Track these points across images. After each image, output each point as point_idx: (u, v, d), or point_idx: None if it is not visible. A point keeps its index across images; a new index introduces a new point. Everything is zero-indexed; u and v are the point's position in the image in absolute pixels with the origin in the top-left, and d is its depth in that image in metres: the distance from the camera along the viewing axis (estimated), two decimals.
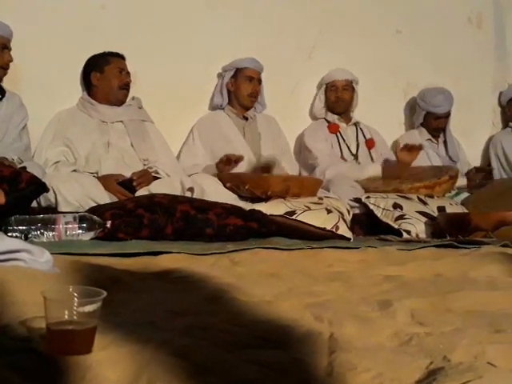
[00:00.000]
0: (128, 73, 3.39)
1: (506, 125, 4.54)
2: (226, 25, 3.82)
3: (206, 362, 0.95)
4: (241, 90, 3.69)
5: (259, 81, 3.72)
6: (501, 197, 3.43)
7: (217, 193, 3.00)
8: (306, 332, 1.14)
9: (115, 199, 2.88)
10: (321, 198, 3.11)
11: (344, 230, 2.94)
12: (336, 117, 4.00)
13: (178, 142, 3.68)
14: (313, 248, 2.40)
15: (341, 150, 3.93)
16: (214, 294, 1.44)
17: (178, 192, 2.91)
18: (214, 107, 3.79)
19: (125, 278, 1.63)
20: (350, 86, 3.96)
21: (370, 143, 4.01)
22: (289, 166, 3.79)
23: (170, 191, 2.84)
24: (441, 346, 1.09)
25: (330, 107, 3.98)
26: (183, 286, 1.56)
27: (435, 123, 4.16)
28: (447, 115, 4.17)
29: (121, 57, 3.39)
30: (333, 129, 3.97)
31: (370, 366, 0.96)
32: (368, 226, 3.29)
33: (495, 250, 2.28)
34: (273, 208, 2.92)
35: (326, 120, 4.01)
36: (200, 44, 3.75)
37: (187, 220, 2.54)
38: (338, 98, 3.94)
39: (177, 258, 1.94)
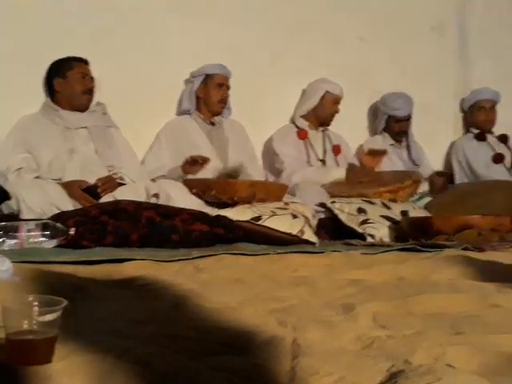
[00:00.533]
0: (92, 78, 3.35)
1: (467, 130, 4.64)
2: (192, 30, 3.82)
3: (169, 370, 0.95)
4: (211, 96, 3.69)
5: (228, 87, 3.73)
6: (462, 201, 3.50)
7: (183, 199, 2.99)
8: (270, 338, 1.14)
9: (79, 206, 2.85)
10: (287, 204, 3.13)
11: (309, 235, 2.96)
12: (306, 124, 4.03)
13: (143, 147, 3.65)
14: (278, 253, 2.41)
15: (308, 155, 3.97)
16: (178, 301, 1.44)
17: (143, 198, 2.89)
18: (181, 112, 3.78)
19: (88, 286, 1.62)
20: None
21: (336, 149, 4.06)
22: (255, 173, 3.80)
23: (135, 197, 2.82)
24: (402, 350, 1.11)
25: (323, 118, 4.00)
26: (147, 293, 1.55)
27: (397, 126, 4.23)
28: (408, 118, 4.24)
29: (84, 61, 3.35)
30: (302, 135, 4.00)
31: (332, 369, 0.97)
32: (333, 230, 3.32)
33: (456, 254, 2.32)
34: (239, 213, 2.93)
35: (296, 125, 4.04)
36: (166, 49, 3.73)
37: (152, 226, 2.53)
38: (335, 112, 4.00)
39: (141, 265, 1.93)
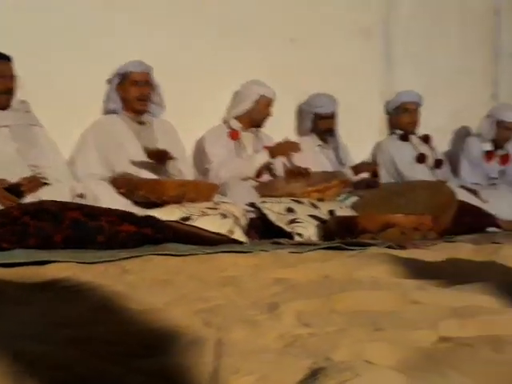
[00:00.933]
0: (12, 76, 3.23)
1: (391, 131, 4.77)
2: (121, 27, 3.75)
3: (89, 374, 0.93)
4: (129, 94, 3.63)
5: (147, 82, 3.64)
6: (387, 200, 3.60)
7: (109, 199, 2.93)
8: (194, 338, 1.14)
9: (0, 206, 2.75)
10: (216, 203, 3.13)
11: (239, 235, 2.98)
12: (239, 125, 4.03)
13: (69, 146, 3.57)
14: (207, 253, 2.41)
15: (239, 156, 3.97)
16: (101, 304, 1.41)
17: (67, 198, 2.82)
18: (108, 112, 3.71)
19: (8, 290, 1.57)
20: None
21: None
22: (186, 172, 3.77)
23: (59, 198, 2.74)
24: (324, 347, 1.13)
25: (257, 120, 4.01)
26: (70, 295, 1.52)
27: (322, 124, 4.30)
28: (332, 115, 4.32)
29: (6, 58, 3.23)
30: (234, 136, 4.00)
31: (254, 368, 0.98)
32: (263, 229, 3.35)
33: (380, 252, 2.39)
34: (168, 213, 2.91)
35: (229, 126, 4.04)
36: (93, 46, 3.65)
37: (77, 227, 2.47)
38: (268, 115, 4.01)
39: (65, 267, 1.89)
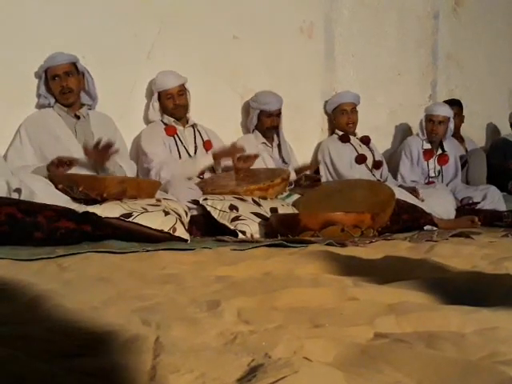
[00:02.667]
0: None
1: (332, 132, 4.84)
2: (59, 17, 3.67)
3: (22, 373, 0.90)
4: (52, 89, 3.55)
5: (68, 73, 3.55)
6: (328, 198, 3.65)
7: (47, 195, 2.86)
8: (132, 337, 1.12)
9: None
10: (159, 200, 3.10)
11: (181, 232, 2.96)
12: (172, 119, 4.00)
13: (4, 141, 3.46)
14: (148, 251, 2.38)
15: (179, 152, 3.95)
16: (36, 302, 1.37)
17: (3, 194, 2.74)
18: (41, 106, 3.62)
19: None
20: (184, 91, 3.99)
21: (207, 145, 4.07)
22: (126, 166, 3.71)
23: None
24: (263, 343, 1.13)
25: (168, 113, 3.97)
26: (3, 293, 1.47)
27: (268, 121, 4.33)
28: (278, 113, 4.35)
29: None
30: (170, 131, 3.97)
31: (193, 366, 0.97)
32: (206, 227, 3.34)
33: (320, 249, 2.42)
34: (108, 210, 2.86)
35: (163, 122, 4.00)
36: (29, 37, 3.55)
37: (13, 223, 2.40)
38: (176, 105, 3.95)
39: None
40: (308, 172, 4.30)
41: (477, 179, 5.09)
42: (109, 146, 3.37)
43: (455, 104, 5.30)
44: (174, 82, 3.94)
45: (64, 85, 3.53)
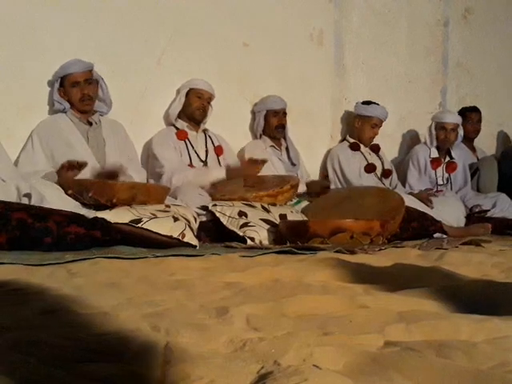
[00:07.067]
0: None
1: (343, 139, 4.84)
2: (71, 25, 3.69)
3: (33, 379, 0.91)
4: (71, 96, 3.56)
5: (88, 81, 3.56)
6: (337, 205, 3.65)
7: (58, 200, 2.87)
8: (142, 343, 1.12)
9: None
10: (168, 206, 3.10)
11: (190, 238, 2.96)
12: (185, 124, 4.02)
13: (16, 146, 3.48)
14: (157, 256, 2.39)
15: (190, 157, 3.96)
16: (48, 307, 1.38)
17: (13, 198, 2.75)
18: (55, 111, 3.64)
19: None
20: (211, 99, 4.04)
21: (218, 150, 4.08)
22: (136, 174, 3.71)
23: (5, 197, 2.67)
24: (273, 351, 1.13)
25: (189, 113, 3.98)
26: (15, 298, 1.48)
27: (275, 120, 4.34)
28: (284, 112, 4.36)
29: None
30: (181, 136, 3.98)
31: (203, 373, 0.97)
32: (215, 233, 3.34)
33: (329, 256, 2.41)
34: (118, 216, 2.87)
35: (175, 127, 4.02)
36: (40, 45, 3.58)
37: (23, 228, 2.41)
38: (199, 108, 3.98)
39: (10, 270, 1.84)
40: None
41: (488, 187, 5.07)
42: (115, 174, 3.36)
43: (474, 110, 5.34)
44: (209, 88, 3.98)
45: (85, 92, 3.54)
